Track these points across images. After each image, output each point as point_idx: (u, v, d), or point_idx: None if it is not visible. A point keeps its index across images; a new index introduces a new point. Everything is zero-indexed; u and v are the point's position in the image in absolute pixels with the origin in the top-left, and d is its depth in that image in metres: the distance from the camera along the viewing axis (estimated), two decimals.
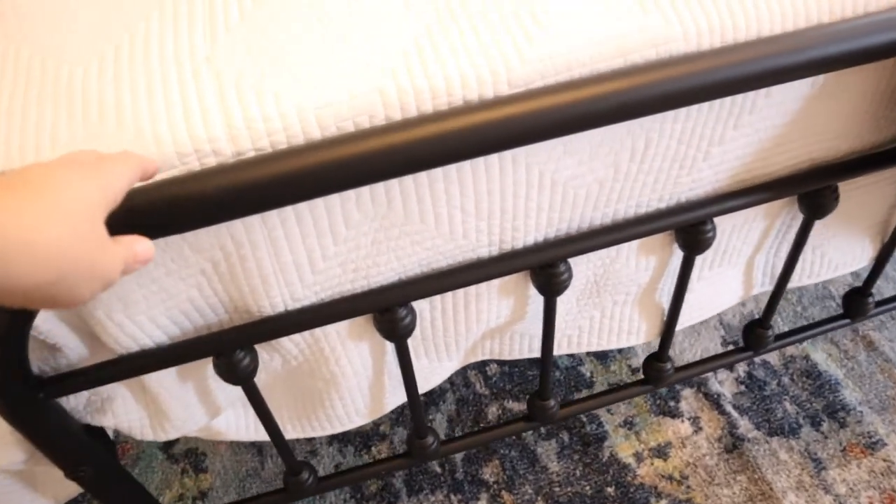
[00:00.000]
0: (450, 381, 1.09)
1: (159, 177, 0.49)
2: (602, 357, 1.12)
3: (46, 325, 0.57)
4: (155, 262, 0.55)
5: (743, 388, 1.08)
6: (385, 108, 0.52)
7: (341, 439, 1.05)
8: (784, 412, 1.05)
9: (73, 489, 0.74)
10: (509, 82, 0.53)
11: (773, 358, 1.11)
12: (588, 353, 1.12)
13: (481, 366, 1.11)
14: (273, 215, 0.54)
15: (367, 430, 1.05)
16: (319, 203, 0.55)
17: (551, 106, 0.52)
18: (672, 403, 1.06)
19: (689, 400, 1.07)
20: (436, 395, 1.08)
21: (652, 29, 0.55)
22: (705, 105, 0.61)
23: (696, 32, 0.56)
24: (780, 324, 1.15)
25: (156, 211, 0.47)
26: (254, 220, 0.54)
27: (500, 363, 1.11)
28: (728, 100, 0.62)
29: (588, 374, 1.10)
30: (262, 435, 0.79)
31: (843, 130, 0.71)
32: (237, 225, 0.54)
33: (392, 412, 1.04)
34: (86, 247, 0.34)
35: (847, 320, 0.97)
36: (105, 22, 0.58)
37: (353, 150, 0.49)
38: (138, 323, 0.58)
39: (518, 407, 1.07)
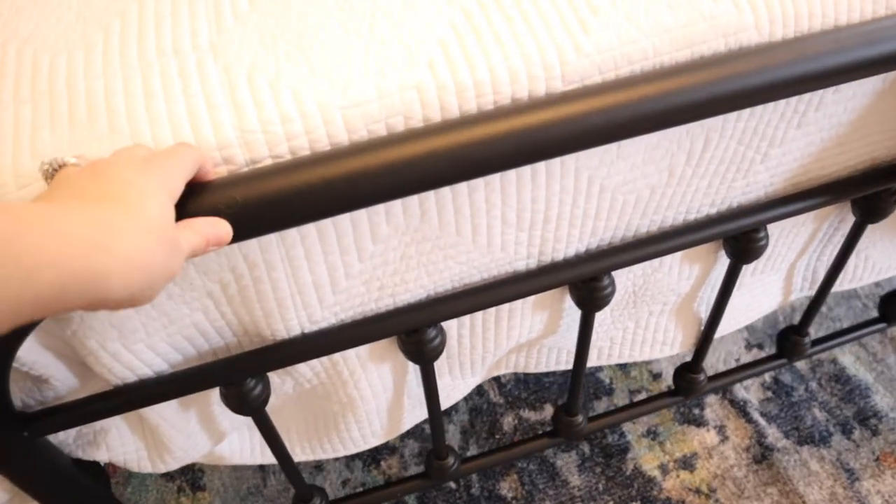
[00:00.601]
0: None
1: None
2: (622, 363, 1.06)
3: (30, 355, 0.49)
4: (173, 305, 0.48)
5: (770, 393, 1.03)
6: (423, 108, 0.45)
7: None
8: (813, 419, 1.00)
9: None
10: (563, 77, 0.46)
11: (799, 362, 1.06)
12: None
13: None
14: (292, 231, 0.47)
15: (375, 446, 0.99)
16: (344, 216, 0.48)
17: (612, 106, 0.45)
18: (696, 411, 1.01)
19: (714, 407, 1.01)
20: (448, 407, 1.02)
21: (722, 16, 0.49)
22: (759, 118, 0.54)
23: (769, 20, 0.50)
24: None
25: None
26: (270, 238, 0.47)
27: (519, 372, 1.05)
28: (777, 111, 0.56)
29: (608, 381, 1.05)
30: (268, 458, 0.72)
31: (886, 132, 0.65)
32: (251, 243, 0.47)
33: None
34: (167, 252, 0.35)
35: (884, 324, 0.92)
36: (91, 5, 0.50)
37: (388, 158, 0.43)
38: (136, 352, 0.50)
39: (535, 416, 1.01)
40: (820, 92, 0.56)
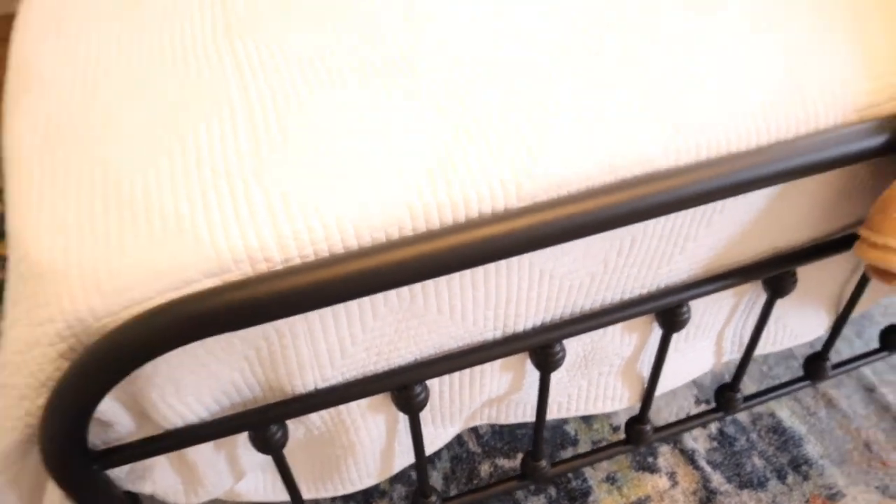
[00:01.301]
0: None
1: (219, 281, 0.57)
2: (586, 417, 1.20)
3: (104, 405, 0.63)
4: (207, 350, 0.62)
5: (715, 444, 1.17)
6: (412, 221, 0.60)
7: (345, 496, 1.11)
8: (753, 466, 1.14)
9: None
10: (518, 197, 0.62)
11: (742, 415, 1.20)
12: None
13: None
14: (337, 312, 0.62)
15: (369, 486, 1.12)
16: (366, 304, 0.63)
17: (555, 218, 0.61)
18: (651, 459, 1.15)
19: (666, 456, 1.15)
20: (432, 454, 1.15)
21: (639, 148, 0.65)
22: (678, 221, 0.71)
23: (675, 150, 0.66)
24: (749, 383, 1.25)
25: (217, 314, 0.55)
26: (312, 320, 0.62)
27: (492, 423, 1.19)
28: (697, 215, 0.72)
29: (573, 433, 1.18)
30: (279, 496, 0.86)
31: (801, 223, 0.81)
32: (297, 322, 0.62)
33: None
34: None
35: (808, 382, 1.07)
36: (152, 130, 0.66)
37: (387, 259, 0.58)
38: (187, 403, 0.65)
39: (509, 464, 1.14)
40: (716, 206, 0.73)
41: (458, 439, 1.17)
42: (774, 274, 0.83)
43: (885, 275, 0.77)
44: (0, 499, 0.67)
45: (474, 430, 1.18)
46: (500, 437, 1.17)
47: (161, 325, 0.56)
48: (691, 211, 0.72)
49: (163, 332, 0.56)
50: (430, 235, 0.59)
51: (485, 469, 1.14)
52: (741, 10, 0.77)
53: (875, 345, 1.14)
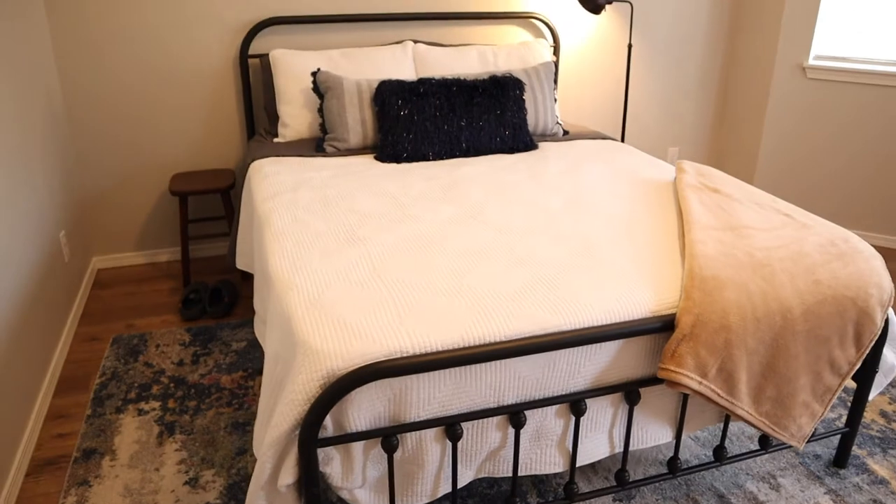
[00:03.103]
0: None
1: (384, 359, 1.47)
2: (539, 480, 1.97)
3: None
4: (373, 391, 1.49)
5: None
6: (463, 341, 1.51)
7: None
8: None
9: None
10: (505, 335, 1.54)
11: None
12: (529, 477, 1.97)
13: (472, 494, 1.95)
14: (428, 378, 1.50)
15: None
16: (438, 376, 1.52)
17: (517, 345, 1.52)
18: None
19: None
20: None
21: (551, 321, 1.58)
22: (575, 354, 1.62)
23: (567, 323, 1.60)
24: (641, 471, 2.03)
25: (381, 372, 1.44)
26: (421, 379, 1.50)
27: (483, 498, 1.96)
28: (580, 353, 1.63)
29: (524, 489, 1.95)
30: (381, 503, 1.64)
31: (637, 366, 1.71)
32: (412, 379, 1.50)
33: None
34: None
35: (669, 475, 1.88)
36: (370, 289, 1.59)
37: (452, 355, 1.48)
38: (360, 418, 1.50)
39: None
40: (585, 354, 1.64)
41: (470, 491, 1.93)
42: (626, 390, 1.71)
43: (672, 384, 1.65)
44: (266, 458, 1.48)
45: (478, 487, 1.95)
46: (489, 499, 1.94)
47: (360, 374, 1.44)
48: (579, 354, 1.63)
49: (360, 378, 1.44)
50: (467, 349, 1.50)
51: None
52: (610, 257, 1.76)
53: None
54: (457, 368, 1.54)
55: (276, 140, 3.13)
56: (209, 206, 3.55)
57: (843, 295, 1.74)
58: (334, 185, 2.49)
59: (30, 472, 2.10)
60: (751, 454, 1.97)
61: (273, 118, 3.25)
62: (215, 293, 3.11)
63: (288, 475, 1.50)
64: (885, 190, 3.67)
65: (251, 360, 2.67)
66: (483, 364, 1.55)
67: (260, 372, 2.58)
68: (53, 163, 2.92)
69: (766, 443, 1.97)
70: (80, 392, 2.49)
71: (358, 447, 1.54)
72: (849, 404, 2.40)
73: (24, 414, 2.20)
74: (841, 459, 2.13)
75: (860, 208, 3.76)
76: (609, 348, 1.66)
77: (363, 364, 1.45)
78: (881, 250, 3.71)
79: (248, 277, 3.35)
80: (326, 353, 1.46)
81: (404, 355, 1.48)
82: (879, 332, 1.82)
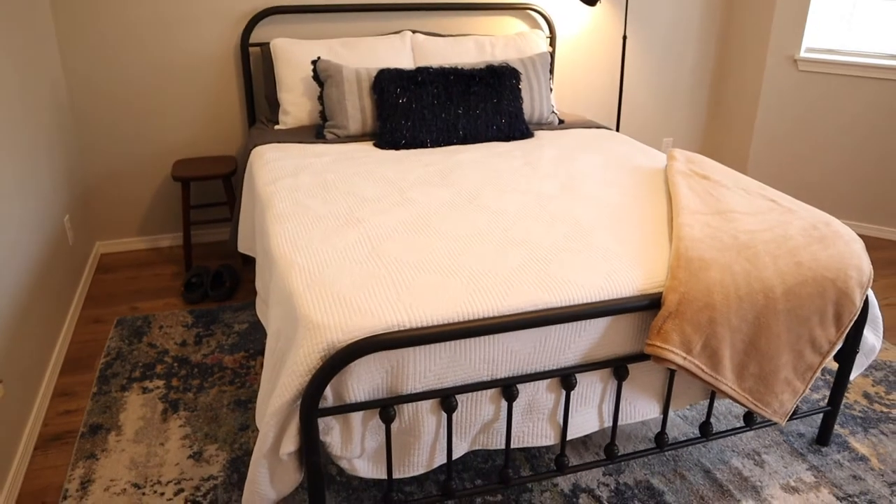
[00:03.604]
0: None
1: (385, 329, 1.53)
2: (532, 455, 2.04)
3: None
4: (372, 363, 1.56)
5: (614, 497, 2.00)
6: (459, 316, 1.58)
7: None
8: None
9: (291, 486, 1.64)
10: (497, 313, 1.61)
11: (629, 479, 2.04)
12: (522, 450, 2.04)
13: (468, 466, 2.02)
14: (424, 352, 1.57)
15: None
16: (434, 350, 1.58)
17: (511, 320, 1.59)
18: (574, 500, 1.97)
19: (584, 498, 1.98)
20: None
21: (541, 297, 1.65)
22: (565, 330, 1.68)
23: (557, 300, 1.66)
24: (630, 446, 2.10)
25: (379, 344, 1.51)
26: (417, 352, 1.57)
27: (477, 472, 2.03)
28: (570, 329, 1.70)
29: (518, 464, 2.02)
30: (377, 474, 1.70)
31: (626, 342, 1.78)
32: (408, 352, 1.56)
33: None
34: None
35: (657, 448, 1.95)
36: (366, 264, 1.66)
37: (446, 328, 1.55)
38: (359, 389, 1.56)
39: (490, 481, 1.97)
40: (576, 330, 1.71)
41: (464, 464, 2.00)
42: (615, 366, 1.78)
43: (658, 359, 1.72)
44: (268, 427, 1.55)
45: (467, 469, 2.02)
46: (483, 472, 2.01)
47: (359, 346, 1.51)
48: (569, 330, 1.70)
49: (359, 349, 1.51)
50: (462, 323, 1.57)
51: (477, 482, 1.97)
52: (601, 240, 1.83)
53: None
54: (452, 342, 1.60)
55: (276, 127, 3.19)
56: (211, 192, 3.61)
57: (824, 276, 1.81)
58: (334, 171, 2.56)
59: (38, 447, 2.17)
60: (736, 430, 2.05)
61: (274, 106, 3.30)
62: (217, 277, 3.18)
63: (289, 444, 1.57)
64: (876, 180, 3.74)
65: (253, 341, 2.74)
66: (477, 338, 1.62)
67: (261, 353, 2.65)
68: (58, 149, 2.98)
69: (750, 420, 2.04)
70: (86, 371, 2.56)
71: (357, 418, 1.61)
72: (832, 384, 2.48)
73: (31, 392, 2.26)
74: (823, 437, 2.21)
75: (850, 198, 3.83)
76: (598, 325, 1.73)
77: (362, 337, 1.52)
78: (870, 240, 3.78)
79: (248, 262, 3.42)
80: (327, 327, 1.53)
81: (401, 329, 1.54)
82: (859, 313, 1.89)
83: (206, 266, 3.28)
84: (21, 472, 2.04)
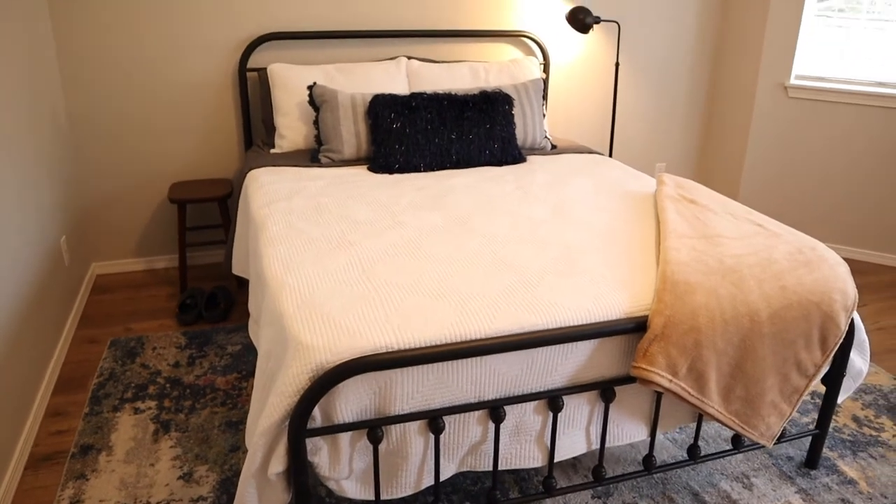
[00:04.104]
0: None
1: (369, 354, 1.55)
2: (520, 477, 2.04)
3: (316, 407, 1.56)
4: (360, 384, 1.57)
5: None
6: (447, 338, 1.60)
7: None
8: None
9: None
10: (486, 334, 1.63)
11: (618, 502, 2.05)
12: (512, 473, 2.05)
13: (456, 491, 2.03)
14: (411, 373, 1.59)
15: (406, 495, 1.93)
16: (421, 371, 1.60)
17: (498, 343, 1.61)
18: None
19: None
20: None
21: (528, 319, 1.67)
22: (552, 353, 1.70)
23: (544, 322, 1.68)
24: (619, 469, 2.11)
25: (367, 365, 1.52)
26: (405, 373, 1.58)
27: (466, 494, 2.03)
28: (557, 351, 1.72)
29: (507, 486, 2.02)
30: (365, 495, 1.71)
31: (612, 365, 1.80)
32: (396, 373, 1.58)
33: None
34: None
35: (644, 471, 1.96)
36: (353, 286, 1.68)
37: (433, 350, 1.57)
38: (346, 410, 1.58)
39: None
40: (561, 353, 1.72)
41: (453, 486, 2.01)
42: (602, 388, 1.79)
43: (644, 382, 1.73)
44: (257, 447, 1.56)
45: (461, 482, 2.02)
46: (472, 495, 2.01)
47: (347, 367, 1.52)
48: (556, 353, 1.72)
49: (347, 370, 1.52)
50: (450, 344, 1.59)
51: None
52: (589, 263, 1.85)
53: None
54: (439, 364, 1.62)
55: (272, 151, 3.23)
56: (207, 215, 3.64)
57: (808, 300, 1.84)
58: (328, 194, 2.59)
59: (28, 466, 2.18)
60: (723, 453, 2.06)
61: (270, 130, 3.35)
62: (211, 299, 3.20)
63: (278, 464, 1.58)
64: (865, 204, 3.78)
65: (245, 363, 2.75)
66: (464, 360, 1.64)
67: (254, 374, 2.66)
68: (56, 170, 3.01)
69: (738, 442, 2.05)
70: (79, 391, 2.57)
71: (345, 438, 1.63)
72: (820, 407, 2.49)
73: (23, 411, 2.27)
74: (812, 461, 2.22)
75: (841, 221, 3.87)
76: (585, 347, 1.75)
77: (350, 358, 1.54)
78: (861, 264, 3.81)
79: (243, 284, 3.44)
80: (315, 348, 1.55)
81: (389, 350, 1.56)
82: (844, 336, 1.91)
83: (201, 288, 3.30)
84: (11, 491, 2.04)
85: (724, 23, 4.12)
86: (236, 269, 2.89)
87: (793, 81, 3.80)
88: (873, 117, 3.63)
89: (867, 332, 3.08)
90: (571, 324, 1.71)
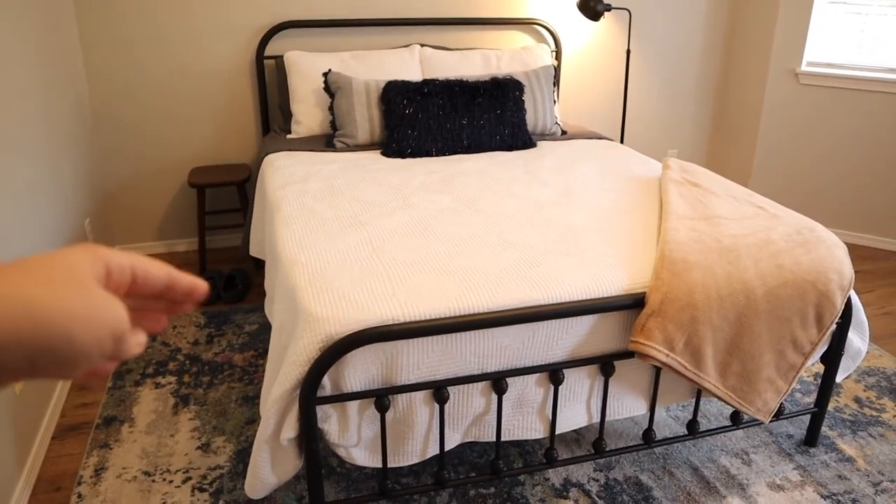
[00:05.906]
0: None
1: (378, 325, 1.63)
2: (525, 449, 2.12)
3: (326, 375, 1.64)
4: (368, 354, 1.65)
5: (603, 492, 2.07)
6: (451, 311, 1.68)
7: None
8: (623, 502, 2.04)
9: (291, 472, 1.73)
10: (487, 309, 1.70)
11: (618, 475, 2.12)
12: (516, 445, 2.12)
13: (462, 461, 2.10)
14: (417, 345, 1.67)
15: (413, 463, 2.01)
16: (427, 343, 1.68)
17: (501, 316, 1.68)
18: (565, 493, 2.05)
19: (573, 491, 2.06)
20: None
21: (530, 294, 1.74)
22: (552, 327, 1.77)
23: (545, 297, 1.75)
24: (620, 443, 2.17)
25: (376, 336, 1.60)
26: (410, 347, 1.66)
27: (472, 465, 2.11)
28: (557, 326, 1.78)
29: (513, 459, 2.09)
30: (373, 462, 1.79)
31: (611, 340, 1.87)
32: (402, 344, 1.66)
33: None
34: (95, 297, 0.44)
35: (644, 445, 2.03)
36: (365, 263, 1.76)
37: (439, 322, 1.64)
38: (355, 378, 1.66)
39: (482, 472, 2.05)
40: (563, 327, 1.79)
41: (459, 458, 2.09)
42: (601, 362, 1.86)
43: (642, 356, 1.80)
44: (270, 413, 1.65)
45: (463, 465, 2.10)
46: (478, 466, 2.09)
47: (355, 338, 1.60)
48: (556, 327, 1.78)
49: (355, 341, 1.60)
50: (454, 317, 1.66)
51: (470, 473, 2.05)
52: (591, 243, 1.92)
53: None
54: (443, 336, 1.70)
55: (289, 136, 3.31)
56: (225, 199, 3.74)
57: (804, 279, 1.88)
58: (341, 177, 2.67)
59: (55, 436, 2.29)
60: (722, 429, 2.12)
61: (287, 116, 3.43)
62: (230, 280, 3.30)
63: (289, 430, 1.66)
64: (877, 191, 3.79)
65: (262, 341, 2.84)
66: (467, 333, 1.71)
67: None
68: (80, 155, 3.12)
69: (737, 418, 2.11)
70: None
71: (353, 406, 1.71)
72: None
73: (50, 385, 2.38)
74: (811, 439, 2.27)
75: (852, 208, 3.89)
76: (584, 322, 1.81)
77: (358, 329, 1.62)
78: (871, 250, 3.83)
79: (260, 266, 3.53)
80: (326, 320, 1.63)
81: (396, 322, 1.64)
82: (840, 314, 1.96)
83: (220, 269, 3.40)
84: (39, 459, 2.15)
85: (736, 9, 4.14)
86: (254, 251, 2.98)
87: (804, 68, 3.81)
88: (886, 104, 3.64)
89: (873, 317, 3.11)
90: (571, 299, 1.77)
